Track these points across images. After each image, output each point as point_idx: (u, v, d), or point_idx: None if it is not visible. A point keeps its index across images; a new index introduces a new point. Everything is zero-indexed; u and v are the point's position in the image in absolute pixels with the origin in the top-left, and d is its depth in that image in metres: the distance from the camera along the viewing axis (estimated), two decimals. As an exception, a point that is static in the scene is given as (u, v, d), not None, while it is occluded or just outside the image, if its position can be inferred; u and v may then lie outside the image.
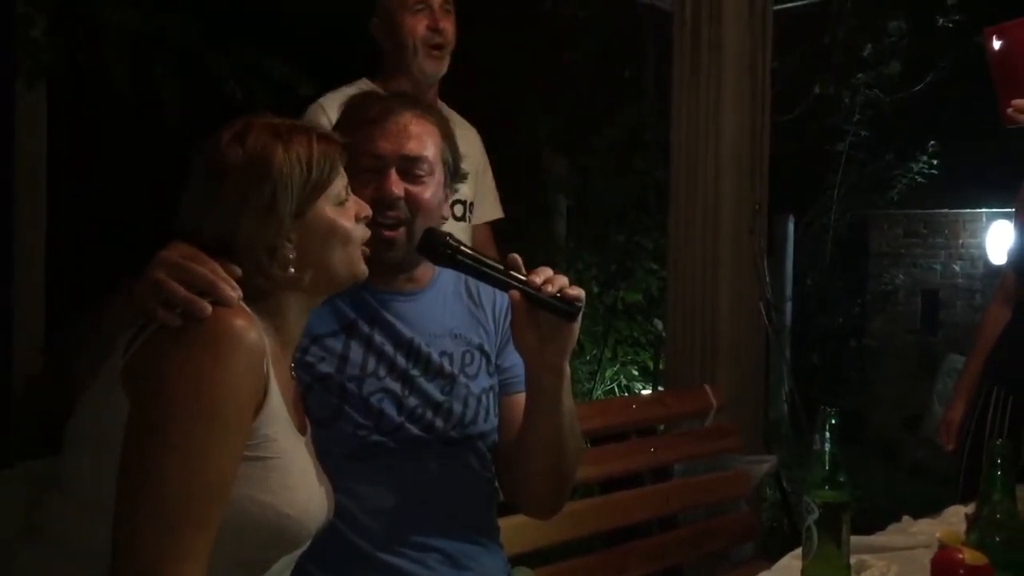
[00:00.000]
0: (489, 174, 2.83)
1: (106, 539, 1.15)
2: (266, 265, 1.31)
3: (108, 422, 1.20)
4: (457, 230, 2.55)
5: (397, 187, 1.59)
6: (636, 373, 6.50)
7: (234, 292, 1.23)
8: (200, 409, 1.17)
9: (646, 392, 6.14)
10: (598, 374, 6.26)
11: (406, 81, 2.58)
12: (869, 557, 1.67)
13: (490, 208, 2.83)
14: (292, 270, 1.32)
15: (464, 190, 2.62)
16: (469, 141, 2.73)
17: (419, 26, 2.53)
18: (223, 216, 1.29)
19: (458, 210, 2.65)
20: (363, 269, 1.42)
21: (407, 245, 1.61)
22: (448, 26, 2.56)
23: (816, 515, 1.55)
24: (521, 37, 5.97)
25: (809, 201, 7.57)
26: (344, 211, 1.39)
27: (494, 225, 2.88)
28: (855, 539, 1.64)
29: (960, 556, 1.32)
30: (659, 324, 6.13)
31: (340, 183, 1.39)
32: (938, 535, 1.40)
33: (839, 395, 6.90)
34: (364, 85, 2.58)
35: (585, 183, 6.43)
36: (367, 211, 1.44)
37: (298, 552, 1.34)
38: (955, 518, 1.94)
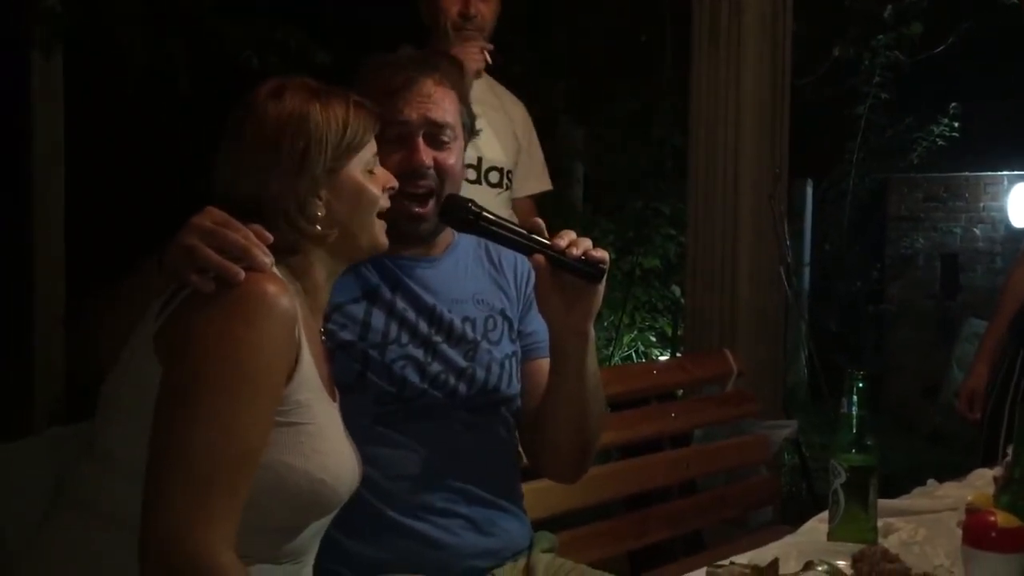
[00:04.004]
0: (536, 147, 2.84)
1: (137, 504, 1.16)
2: (295, 218, 1.31)
3: (140, 387, 1.21)
4: (490, 196, 2.56)
5: (426, 156, 1.59)
6: (654, 339, 6.50)
7: (267, 258, 1.23)
8: (231, 374, 1.17)
9: (664, 358, 6.14)
10: (616, 340, 6.26)
11: None
12: (896, 520, 1.67)
13: (536, 180, 2.84)
14: (319, 227, 1.32)
15: (500, 156, 2.64)
16: (517, 114, 2.77)
17: (452, 9, 2.55)
18: (256, 169, 1.30)
19: (493, 177, 2.66)
20: (384, 241, 1.42)
21: (435, 215, 1.60)
22: (483, 9, 2.57)
23: (843, 478, 1.55)
24: (536, 3, 5.91)
25: (828, 165, 7.50)
26: (373, 179, 1.39)
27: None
28: (881, 503, 1.64)
29: (992, 519, 1.32)
30: (676, 290, 6.12)
31: (371, 151, 1.39)
32: (969, 498, 1.39)
33: (857, 360, 6.87)
34: None
35: (603, 149, 6.39)
36: (393, 183, 1.44)
37: (329, 517, 1.35)
38: (981, 481, 1.93)
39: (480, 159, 2.61)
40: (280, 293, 1.21)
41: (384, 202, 1.41)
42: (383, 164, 1.45)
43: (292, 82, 1.35)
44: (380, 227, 1.41)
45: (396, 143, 1.57)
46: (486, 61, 2.50)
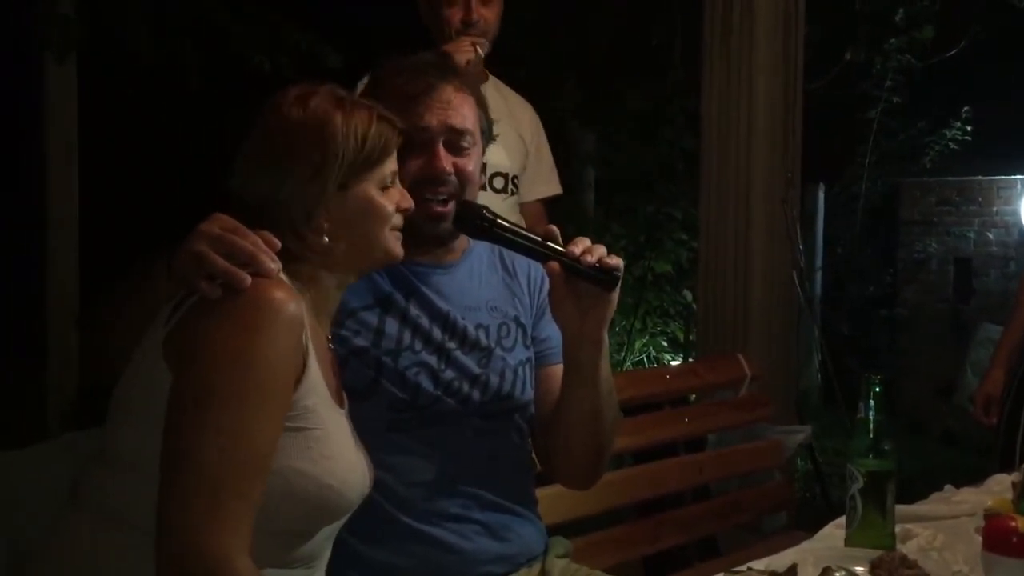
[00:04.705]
0: (545, 150, 2.82)
1: (150, 508, 1.16)
2: (300, 228, 1.31)
3: (151, 393, 1.21)
4: (496, 202, 2.55)
5: (447, 162, 1.59)
6: (665, 344, 6.48)
7: (275, 264, 1.23)
8: (239, 380, 1.17)
9: (676, 363, 6.12)
10: (627, 345, 6.24)
11: None
12: (914, 526, 1.66)
13: (544, 184, 2.82)
14: (326, 239, 1.32)
15: (504, 162, 2.63)
16: (524, 117, 2.76)
17: (454, 17, 2.55)
18: (271, 172, 1.30)
19: (498, 182, 2.64)
20: (399, 251, 1.42)
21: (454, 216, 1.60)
22: (485, 14, 2.57)
23: (860, 484, 1.54)
24: (544, 4, 5.90)
25: (840, 169, 7.48)
26: (386, 196, 1.38)
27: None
28: (898, 508, 1.63)
29: (1013, 524, 1.31)
30: (688, 295, 6.11)
31: (389, 168, 1.38)
32: (989, 503, 1.38)
33: (869, 365, 6.84)
34: None
35: (613, 154, 6.39)
36: (409, 203, 1.42)
37: (339, 523, 1.34)
38: (999, 487, 1.92)
39: (484, 164, 2.61)
40: (287, 299, 1.21)
41: (397, 221, 1.40)
42: (403, 169, 1.44)
43: (320, 89, 1.35)
44: (394, 239, 1.40)
45: (416, 149, 1.56)
46: (476, 54, 2.49)
